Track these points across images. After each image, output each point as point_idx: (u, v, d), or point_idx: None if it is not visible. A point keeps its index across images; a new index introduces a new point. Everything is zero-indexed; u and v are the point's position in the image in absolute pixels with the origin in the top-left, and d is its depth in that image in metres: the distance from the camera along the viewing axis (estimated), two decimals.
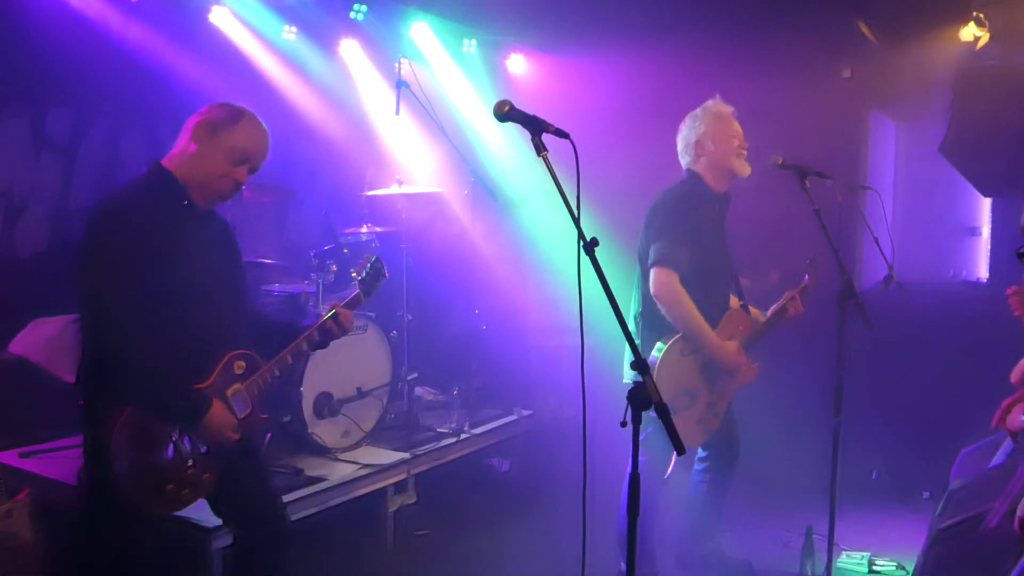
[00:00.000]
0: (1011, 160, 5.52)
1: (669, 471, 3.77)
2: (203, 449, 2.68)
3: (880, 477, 5.30)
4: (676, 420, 3.50)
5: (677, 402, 3.57)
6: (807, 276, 3.96)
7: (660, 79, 5.63)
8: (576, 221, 2.11)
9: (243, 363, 2.77)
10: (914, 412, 5.31)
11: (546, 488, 4.60)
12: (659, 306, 3.55)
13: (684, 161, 3.83)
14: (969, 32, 5.54)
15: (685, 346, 3.59)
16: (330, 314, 2.94)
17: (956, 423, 4.68)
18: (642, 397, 2.01)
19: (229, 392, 2.72)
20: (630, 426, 2.04)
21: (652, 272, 3.54)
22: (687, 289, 3.53)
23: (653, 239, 3.60)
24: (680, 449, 2.00)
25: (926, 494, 5.02)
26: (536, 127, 2.18)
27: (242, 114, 2.72)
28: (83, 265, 2.54)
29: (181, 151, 2.69)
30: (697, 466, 4.03)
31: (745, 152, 3.76)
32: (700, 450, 3.97)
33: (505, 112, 2.22)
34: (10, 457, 3.92)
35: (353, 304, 3.04)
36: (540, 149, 2.17)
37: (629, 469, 2.07)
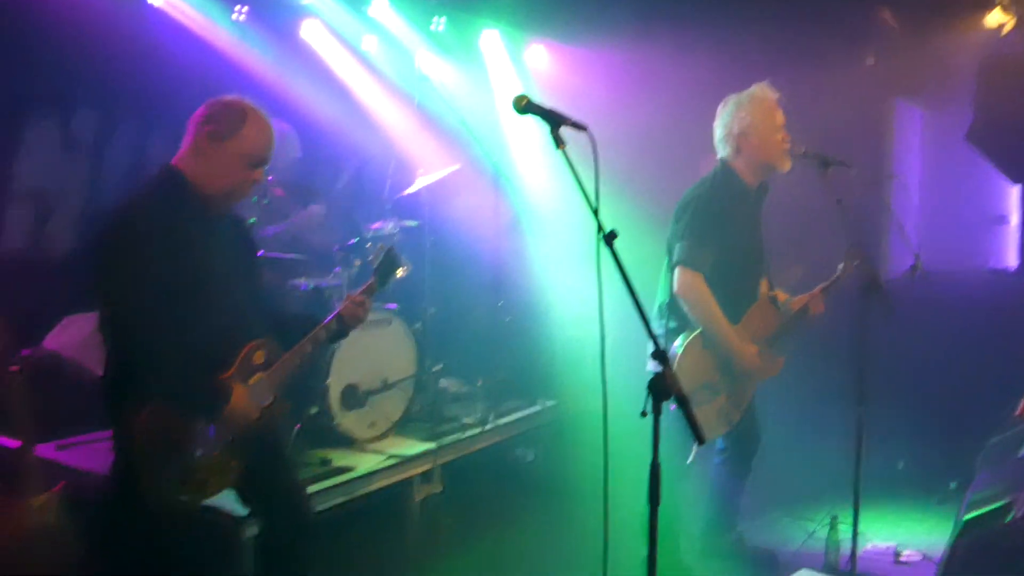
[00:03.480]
0: None
1: (691, 458, 3.79)
2: (229, 439, 2.73)
3: (906, 467, 5.27)
4: (696, 412, 3.55)
5: (698, 395, 3.58)
6: (840, 267, 3.82)
7: (682, 70, 5.61)
8: (595, 213, 2.13)
9: (262, 353, 2.80)
10: (941, 401, 5.28)
11: (571, 478, 4.63)
12: (682, 305, 3.55)
13: (720, 151, 3.71)
14: (994, 18, 5.48)
15: (706, 340, 3.60)
16: (345, 303, 2.98)
17: (983, 412, 4.66)
18: (662, 387, 2.02)
19: (251, 382, 2.76)
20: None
21: (676, 271, 3.54)
22: (712, 285, 3.53)
23: (679, 236, 3.58)
24: (700, 439, 2.01)
25: (952, 484, 4.98)
26: (554, 120, 2.20)
27: (245, 115, 2.70)
28: (98, 268, 2.59)
29: (190, 154, 2.70)
30: (716, 458, 4.03)
31: (788, 146, 3.64)
32: (719, 441, 3.96)
33: (524, 106, 2.24)
34: (47, 450, 3.99)
35: (368, 291, 3.06)
36: (559, 143, 2.18)
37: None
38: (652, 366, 3.62)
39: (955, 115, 5.99)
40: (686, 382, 3.48)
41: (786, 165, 3.65)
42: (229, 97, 2.75)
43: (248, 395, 2.72)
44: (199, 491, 2.73)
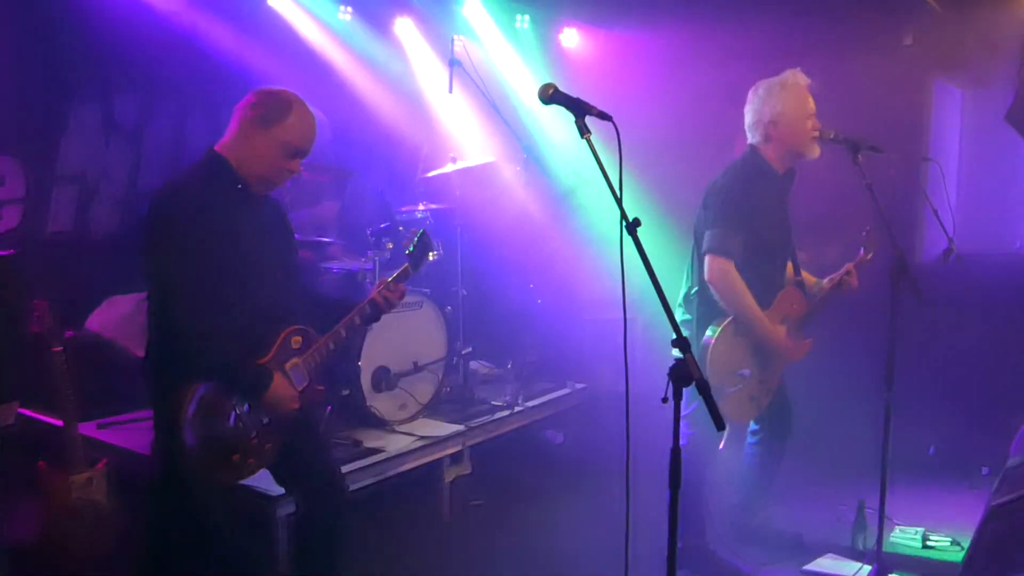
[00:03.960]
0: None
1: (722, 444, 3.80)
2: (265, 420, 2.81)
3: (938, 451, 5.23)
4: (729, 398, 3.60)
5: (730, 381, 3.60)
6: (863, 249, 3.89)
7: (717, 51, 5.58)
8: (619, 201, 2.16)
9: (299, 338, 2.89)
10: (974, 385, 5.22)
11: (599, 460, 4.66)
12: (714, 292, 3.55)
13: (750, 137, 3.70)
14: None
15: (738, 327, 3.61)
16: (378, 288, 3.05)
17: (1017, 397, 4.61)
18: (683, 374, 2.05)
19: (288, 366, 2.84)
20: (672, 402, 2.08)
21: (706, 259, 3.53)
22: (742, 271, 3.53)
23: (709, 224, 3.57)
24: (720, 424, 2.04)
25: (985, 470, 4.94)
26: (579, 110, 2.23)
27: (291, 105, 2.78)
28: (146, 247, 2.68)
29: (234, 139, 2.78)
30: (749, 439, 4.06)
31: (817, 133, 3.62)
32: (752, 424, 3.99)
33: (550, 95, 2.27)
34: (89, 428, 4.13)
35: (402, 277, 3.13)
36: (584, 131, 2.22)
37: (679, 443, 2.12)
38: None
39: (995, 95, 5.87)
40: (720, 369, 3.55)
41: (815, 152, 3.63)
42: (277, 87, 2.83)
43: (287, 381, 2.80)
44: (238, 471, 2.81)
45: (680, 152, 5.50)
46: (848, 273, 3.83)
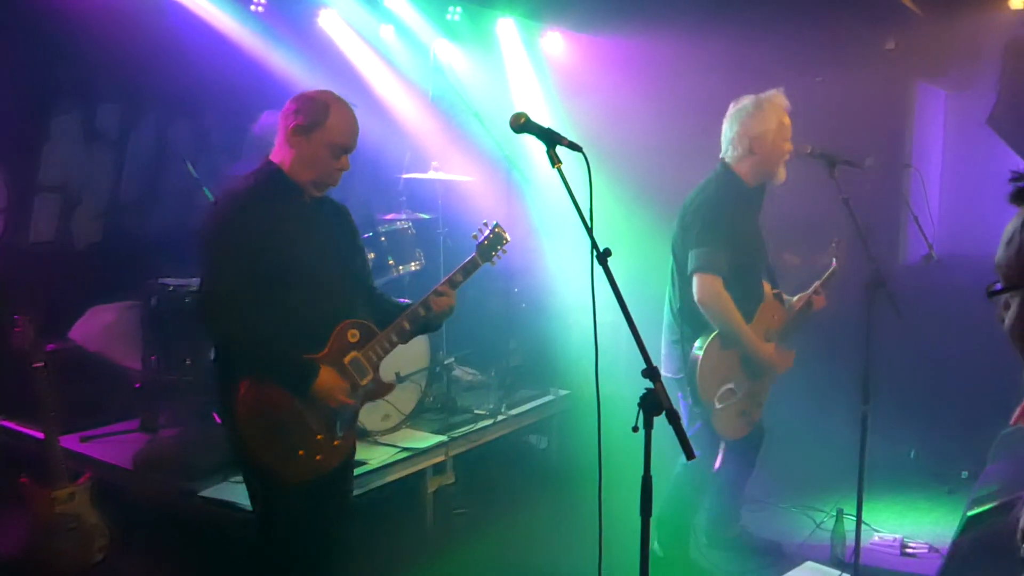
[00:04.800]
0: None
1: (717, 464, 3.82)
2: (331, 417, 2.81)
3: (918, 455, 5.27)
4: (721, 414, 3.62)
5: (720, 398, 3.63)
6: (833, 260, 3.93)
7: (699, 58, 5.58)
8: (590, 232, 2.17)
9: (356, 332, 2.87)
10: (954, 389, 5.26)
11: (583, 466, 4.68)
12: (704, 311, 3.55)
13: (728, 154, 3.68)
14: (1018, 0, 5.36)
15: (724, 341, 3.62)
16: (433, 291, 2.99)
17: (998, 400, 4.63)
18: (653, 402, 2.07)
19: (346, 360, 2.83)
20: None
21: (695, 279, 3.53)
22: (726, 287, 3.55)
23: (693, 244, 3.56)
24: (689, 454, 2.06)
25: (964, 473, 4.98)
26: (550, 139, 2.24)
27: (328, 106, 2.79)
28: (202, 252, 2.75)
29: (282, 148, 2.82)
30: (723, 452, 4.06)
31: (788, 157, 3.65)
32: None
33: (521, 124, 2.27)
34: (72, 441, 4.13)
35: (469, 268, 3.05)
36: (555, 161, 2.22)
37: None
38: (671, 371, 3.69)
39: (979, 97, 5.90)
40: (709, 384, 3.58)
41: (783, 176, 3.67)
42: (313, 91, 2.85)
43: (336, 374, 2.79)
44: (308, 467, 2.79)
45: (661, 158, 5.51)
46: (816, 292, 3.87)
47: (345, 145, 2.82)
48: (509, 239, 3.13)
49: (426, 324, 3.02)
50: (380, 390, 3.00)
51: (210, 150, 5.55)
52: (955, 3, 5.54)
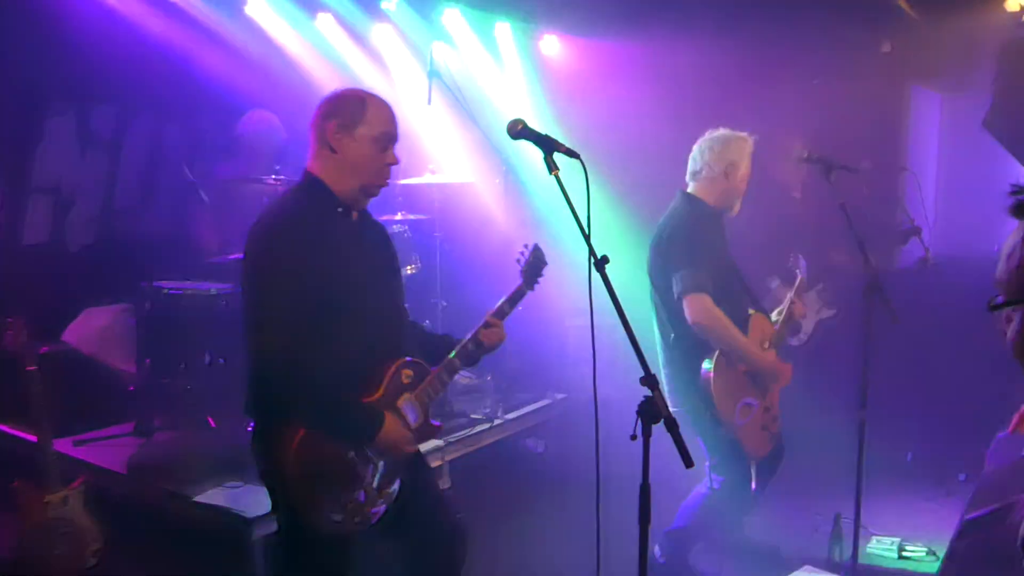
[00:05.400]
0: None
1: (754, 484, 3.81)
2: (381, 463, 2.61)
3: (915, 458, 5.28)
4: (745, 431, 3.65)
5: (741, 413, 3.64)
6: (797, 272, 3.96)
7: (694, 60, 5.58)
8: (587, 238, 2.16)
9: (410, 371, 2.67)
10: (952, 390, 5.26)
11: (581, 470, 4.66)
12: (700, 332, 3.55)
13: (695, 182, 3.77)
14: (1014, 2, 5.38)
15: (728, 358, 3.62)
16: (482, 323, 2.81)
17: (995, 403, 4.63)
18: (652, 411, 2.06)
19: (399, 403, 2.64)
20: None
21: (685, 302, 3.53)
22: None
23: (674, 269, 3.58)
24: (688, 462, 2.05)
25: (962, 476, 5.00)
26: (548, 146, 2.23)
27: (363, 99, 2.62)
28: (248, 280, 2.52)
29: (322, 157, 2.60)
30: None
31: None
32: None
33: (518, 130, 2.27)
34: (65, 445, 4.09)
35: (516, 298, 2.88)
36: (552, 168, 2.21)
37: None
38: (675, 404, 3.68)
39: (974, 99, 5.91)
40: (726, 401, 3.58)
41: (737, 209, 3.78)
42: (339, 89, 2.71)
43: (399, 421, 2.59)
44: (357, 518, 2.58)
45: (656, 162, 5.50)
46: (793, 303, 3.89)
47: (391, 133, 2.64)
48: (547, 263, 2.97)
49: (475, 358, 2.83)
50: (429, 433, 2.76)
51: (205, 152, 5.53)
52: (950, 6, 5.55)
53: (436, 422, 2.78)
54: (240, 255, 4.18)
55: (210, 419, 4.20)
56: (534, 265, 2.93)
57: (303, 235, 2.48)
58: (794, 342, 4.44)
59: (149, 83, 5.07)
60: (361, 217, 2.70)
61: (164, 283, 4.40)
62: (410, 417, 2.66)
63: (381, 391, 2.59)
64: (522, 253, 2.92)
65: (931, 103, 6.64)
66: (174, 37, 4.95)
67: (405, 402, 2.65)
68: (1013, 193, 1.21)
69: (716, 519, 3.86)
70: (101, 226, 5.26)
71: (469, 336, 2.78)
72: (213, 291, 4.33)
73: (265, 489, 2.65)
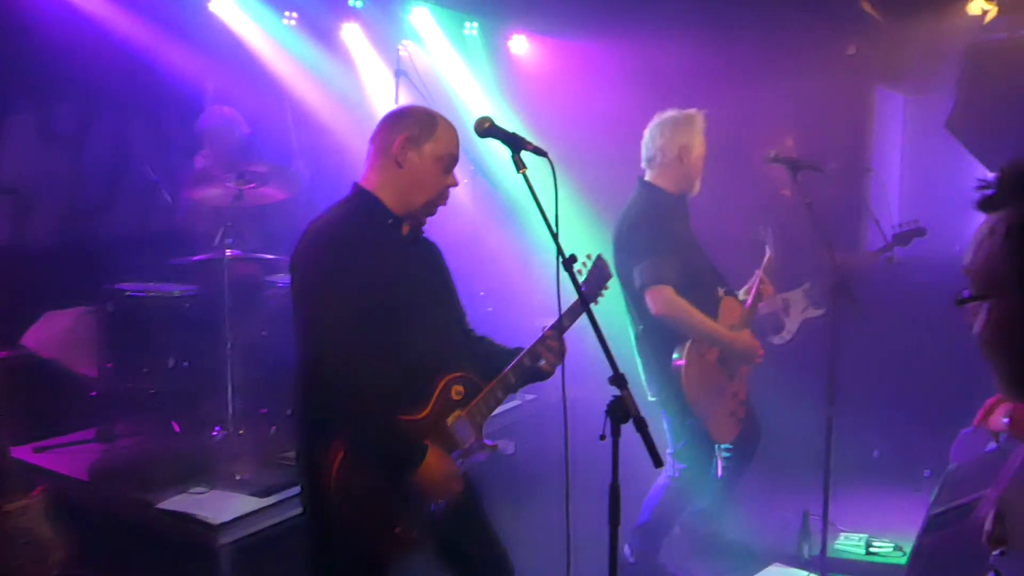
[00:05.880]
0: (1019, 134, 5.47)
1: (719, 470, 3.82)
2: (430, 506, 2.48)
3: (882, 455, 5.33)
4: (712, 419, 3.64)
5: (709, 401, 3.64)
6: (768, 249, 3.97)
7: (662, 60, 5.61)
8: (555, 237, 2.15)
9: (461, 387, 2.54)
10: (917, 388, 5.33)
11: (551, 471, 4.65)
12: (666, 323, 3.55)
13: (652, 164, 3.75)
14: (976, 6, 5.46)
15: (700, 346, 3.63)
16: (540, 338, 2.67)
17: (959, 399, 4.69)
18: (621, 410, 2.05)
19: (449, 421, 2.51)
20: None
21: (647, 295, 3.53)
22: (683, 296, 3.56)
23: (636, 261, 3.57)
24: (657, 462, 2.04)
25: (927, 472, 5.05)
26: (515, 144, 2.22)
27: (434, 117, 2.57)
28: (300, 294, 2.44)
29: (383, 172, 2.52)
30: (723, 453, 4.05)
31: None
32: None
33: (486, 128, 2.26)
34: (24, 452, 4.01)
35: (577, 311, 2.67)
36: (519, 167, 2.20)
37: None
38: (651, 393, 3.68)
39: (937, 102, 5.99)
40: (698, 391, 3.58)
41: (697, 189, 3.77)
42: (405, 105, 2.64)
43: (446, 457, 2.44)
44: (404, 544, 2.46)
45: (624, 162, 5.50)
46: (762, 281, 3.90)
47: (456, 156, 2.58)
48: (612, 275, 2.89)
49: (535, 375, 2.68)
50: (482, 452, 2.60)
51: (170, 151, 5.44)
52: (914, 9, 5.62)
53: (489, 441, 2.62)
54: (206, 256, 4.25)
55: (175, 424, 4.13)
56: (598, 276, 2.84)
57: (354, 246, 2.40)
58: (777, 341, 4.45)
59: (112, 81, 4.98)
60: (412, 231, 2.61)
61: (127, 285, 4.32)
62: (461, 435, 2.52)
63: (430, 408, 2.48)
64: (584, 264, 2.79)
65: (895, 105, 6.73)
66: (138, 34, 4.87)
67: (456, 420, 2.52)
68: (979, 188, 1.21)
69: (679, 509, 3.87)
70: (62, 227, 5.15)
71: (526, 351, 2.66)
72: (177, 293, 4.26)
73: (306, 510, 2.53)
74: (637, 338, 3.75)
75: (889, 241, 4.57)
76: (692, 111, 3.75)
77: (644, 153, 3.77)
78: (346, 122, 5.64)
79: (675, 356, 3.60)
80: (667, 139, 3.69)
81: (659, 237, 3.59)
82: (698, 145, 3.70)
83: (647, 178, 3.78)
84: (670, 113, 3.74)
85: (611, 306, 3.71)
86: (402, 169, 2.50)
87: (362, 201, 2.52)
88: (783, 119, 5.56)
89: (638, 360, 3.77)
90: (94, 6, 4.71)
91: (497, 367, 2.64)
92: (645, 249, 3.56)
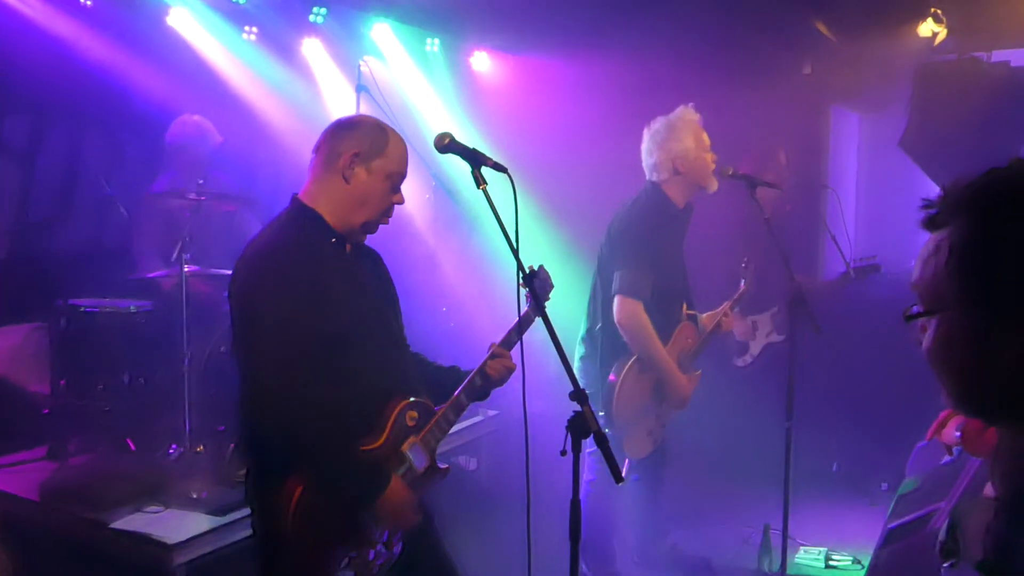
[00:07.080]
0: (970, 153, 5.60)
1: (624, 472, 3.83)
2: (389, 533, 2.43)
3: (840, 468, 5.40)
4: (630, 434, 3.63)
5: (633, 418, 3.67)
6: (742, 281, 4.01)
7: (622, 77, 5.66)
8: (515, 253, 2.15)
9: (415, 413, 2.45)
10: (873, 402, 5.40)
11: (512, 486, 4.64)
12: (623, 333, 3.58)
13: (653, 175, 3.72)
14: (927, 28, 5.59)
15: (642, 366, 3.66)
16: (488, 355, 2.62)
17: (914, 413, 4.77)
18: (581, 426, 2.06)
19: (404, 447, 2.43)
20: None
21: (617, 300, 3.56)
22: (648, 310, 3.58)
23: (619, 265, 3.59)
24: (618, 477, 2.05)
25: (884, 485, 5.12)
26: (475, 160, 2.22)
27: (385, 131, 2.45)
28: (240, 318, 2.28)
29: (325, 186, 2.39)
30: (633, 475, 4.05)
31: (715, 166, 3.71)
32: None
33: (445, 144, 2.25)
34: None
35: (524, 325, 2.64)
36: (479, 182, 2.20)
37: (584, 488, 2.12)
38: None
39: (891, 119, 6.12)
40: (625, 408, 3.60)
41: (715, 185, 3.74)
42: (356, 115, 2.51)
43: (405, 487, 2.35)
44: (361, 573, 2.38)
45: (585, 177, 5.56)
46: (725, 314, 3.94)
47: (404, 173, 2.46)
48: (553, 285, 2.83)
49: (483, 393, 2.63)
50: (436, 477, 2.53)
51: (125, 164, 5.35)
52: (867, 30, 5.74)
53: (443, 464, 2.56)
54: (164, 272, 4.18)
55: (130, 441, 4.04)
56: (541, 288, 2.75)
57: (300, 269, 2.26)
58: (739, 363, 4.50)
59: (66, 94, 4.88)
60: (355, 248, 2.48)
61: (80, 300, 4.23)
62: (416, 463, 2.45)
63: (385, 436, 2.38)
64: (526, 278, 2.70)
65: (850, 123, 6.87)
66: (93, 47, 4.78)
67: (411, 447, 2.44)
68: (924, 207, 1.24)
69: (602, 517, 3.87)
70: (13, 241, 5.03)
71: (476, 370, 2.59)
72: (132, 308, 4.18)
73: (256, 534, 2.41)
74: (590, 333, 3.77)
75: (845, 271, 4.65)
76: (677, 113, 3.70)
77: (644, 159, 3.75)
78: (307, 137, 5.58)
79: (614, 371, 3.64)
80: (659, 156, 3.68)
81: (647, 249, 3.60)
82: (692, 148, 3.65)
83: (656, 180, 3.73)
84: (655, 125, 3.71)
85: (567, 321, 3.74)
86: (348, 185, 2.37)
87: (304, 218, 2.38)
88: (740, 137, 5.64)
89: (579, 350, 3.78)
90: (47, 18, 4.63)
91: (442, 386, 2.58)
92: (629, 258, 3.58)
